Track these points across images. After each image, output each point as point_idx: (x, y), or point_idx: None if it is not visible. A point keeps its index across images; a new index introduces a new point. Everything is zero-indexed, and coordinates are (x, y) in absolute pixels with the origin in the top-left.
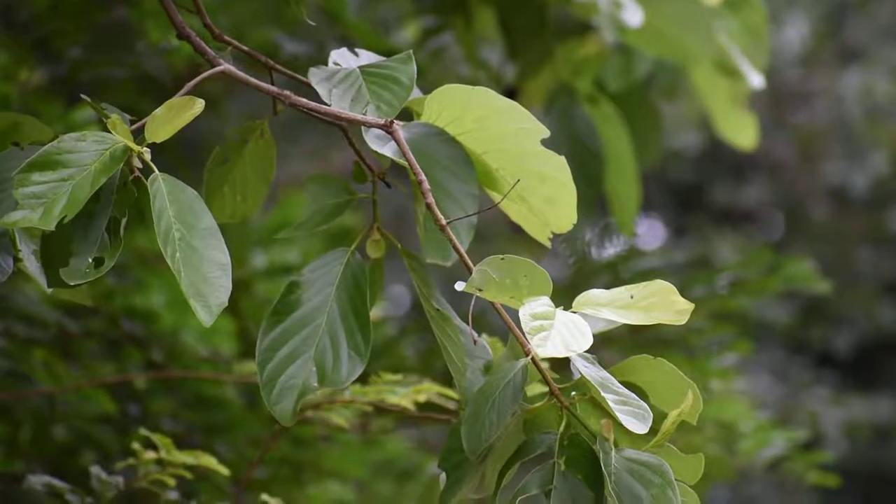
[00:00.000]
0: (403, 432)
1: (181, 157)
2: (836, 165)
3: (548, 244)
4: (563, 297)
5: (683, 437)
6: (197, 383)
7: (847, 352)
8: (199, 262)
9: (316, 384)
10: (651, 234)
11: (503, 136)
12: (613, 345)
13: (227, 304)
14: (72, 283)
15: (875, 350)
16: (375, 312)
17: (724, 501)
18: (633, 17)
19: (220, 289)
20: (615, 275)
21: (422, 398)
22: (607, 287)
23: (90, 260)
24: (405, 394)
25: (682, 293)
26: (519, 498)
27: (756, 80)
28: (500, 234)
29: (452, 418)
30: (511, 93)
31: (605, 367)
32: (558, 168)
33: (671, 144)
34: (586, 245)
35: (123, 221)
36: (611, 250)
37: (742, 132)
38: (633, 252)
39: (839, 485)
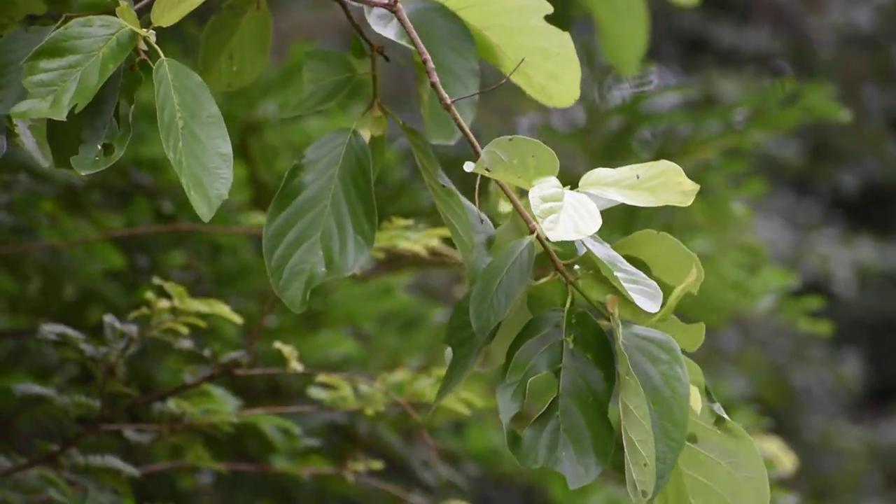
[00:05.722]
0: (406, 285)
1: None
2: (840, 2)
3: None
4: (578, 141)
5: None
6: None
7: (855, 192)
8: (201, 151)
9: (324, 270)
10: (661, 80)
11: (505, 11)
12: None
13: (227, 196)
14: (82, 173)
15: (884, 192)
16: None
17: (734, 345)
18: None
19: (220, 180)
20: (633, 114)
21: (434, 243)
22: (623, 128)
23: (99, 147)
24: (417, 239)
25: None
26: (530, 378)
27: None
28: (501, 91)
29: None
30: None
31: (608, 242)
32: (562, 44)
33: None
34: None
35: (132, 108)
36: (620, 94)
37: None
38: (644, 94)
39: (834, 332)
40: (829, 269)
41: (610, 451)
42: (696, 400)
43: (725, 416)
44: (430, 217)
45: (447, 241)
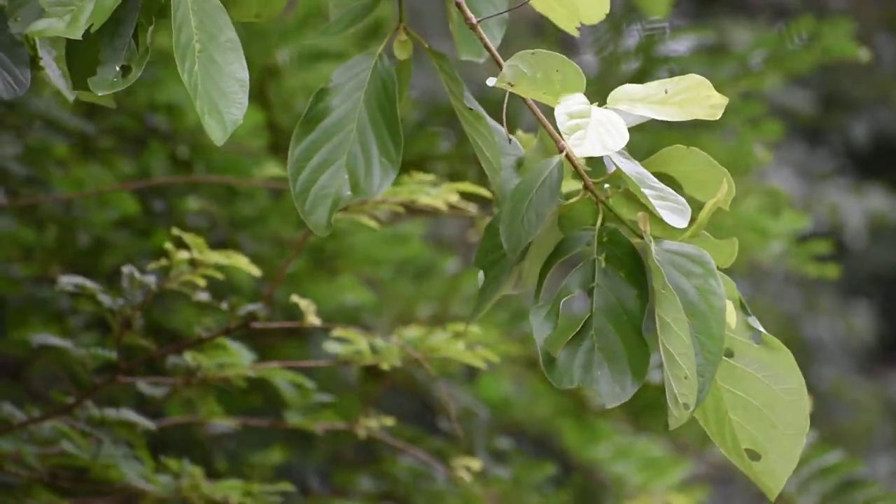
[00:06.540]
0: (419, 234)
1: None
2: None
3: (576, 33)
4: (592, 85)
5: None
6: (224, 176)
7: (867, 143)
8: (218, 75)
9: (349, 193)
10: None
11: None
12: (644, 127)
13: (241, 121)
14: (99, 94)
15: (895, 143)
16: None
17: (744, 295)
18: None
19: (237, 105)
20: (647, 58)
21: (454, 198)
22: (637, 72)
23: (117, 68)
24: (437, 194)
25: (712, 74)
26: (563, 299)
27: None
28: (520, 35)
29: (486, 215)
30: None
31: (637, 158)
32: None
33: None
34: (610, 33)
35: (150, 28)
36: (634, 38)
37: None
38: (657, 38)
39: (845, 284)
40: (840, 218)
41: (646, 368)
42: (731, 314)
43: (762, 328)
44: (446, 161)
45: (463, 194)
